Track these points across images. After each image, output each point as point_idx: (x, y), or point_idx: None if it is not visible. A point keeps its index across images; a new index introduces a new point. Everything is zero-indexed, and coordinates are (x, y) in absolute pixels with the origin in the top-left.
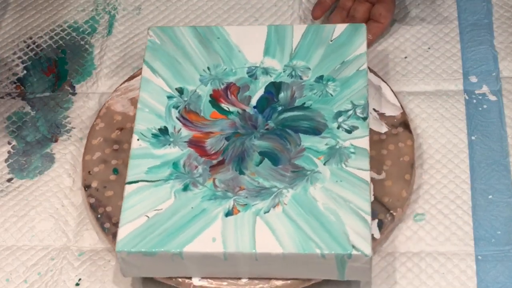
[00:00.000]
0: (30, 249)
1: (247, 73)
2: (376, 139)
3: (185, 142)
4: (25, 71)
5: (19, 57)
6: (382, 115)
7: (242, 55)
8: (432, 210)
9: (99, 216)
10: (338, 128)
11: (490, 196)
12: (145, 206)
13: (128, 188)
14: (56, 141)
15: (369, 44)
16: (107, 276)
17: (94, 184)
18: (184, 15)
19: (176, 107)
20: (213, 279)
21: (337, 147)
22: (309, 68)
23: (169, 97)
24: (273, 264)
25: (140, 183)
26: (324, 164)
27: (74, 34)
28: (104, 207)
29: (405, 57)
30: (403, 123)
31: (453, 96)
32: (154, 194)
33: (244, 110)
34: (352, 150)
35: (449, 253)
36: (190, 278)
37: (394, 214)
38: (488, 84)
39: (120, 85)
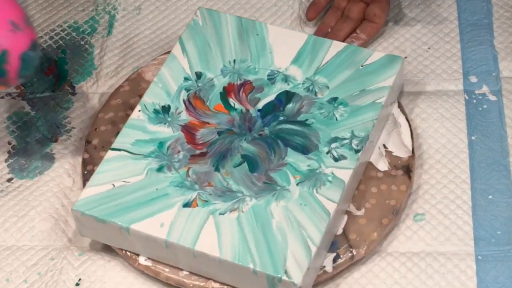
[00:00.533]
0: (30, 249)
1: (268, 75)
2: (372, 175)
3: (180, 125)
4: None
5: None
6: (389, 153)
7: (271, 57)
8: (432, 210)
9: (85, 172)
10: (327, 153)
11: (490, 196)
12: (116, 175)
13: (110, 154)
14: (56, 141)
15: (364, 45)
16: (107, 276)
17: (95, 142)
18: (184, 15)
19: (188, 90)
20: (157, 263)
21: (317, 171)
22: (328, 87)
23: (186, 79)
24: (209, 265)
25: (122, 152)
26: (297, 184)
27: (74, 34)
28: (94, 165)
29: (405, 57)
30: (406, 167)
31: (453, 96)
32: (129, 166)
33: (247, 110)
34: (330, 178)
35: (449, 253)
36: (139, 255)
37: (355, 253)
38: (488, 84)
39: (162, 55)
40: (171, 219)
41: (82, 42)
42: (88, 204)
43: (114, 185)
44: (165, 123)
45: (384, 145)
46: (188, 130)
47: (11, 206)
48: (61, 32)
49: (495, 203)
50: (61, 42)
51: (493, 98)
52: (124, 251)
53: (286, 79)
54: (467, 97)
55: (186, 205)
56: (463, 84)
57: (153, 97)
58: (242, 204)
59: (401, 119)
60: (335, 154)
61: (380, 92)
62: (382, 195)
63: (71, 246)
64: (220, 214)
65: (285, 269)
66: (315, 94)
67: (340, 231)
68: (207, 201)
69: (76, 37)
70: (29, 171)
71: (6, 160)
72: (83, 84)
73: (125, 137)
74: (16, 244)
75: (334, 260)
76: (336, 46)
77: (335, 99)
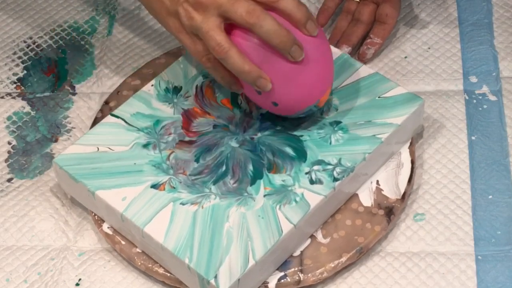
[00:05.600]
0: (30, 249)
1: None
2: (352, 207)
3: (182, 108)
4: (25, 71)
5: (19, 57)
6: (379, 190)
7: None
8: (432, 210)
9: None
10: (306, 173)
11: (490, 196)
12: (105, 140)
13: (108, 118)
14: (56, 141)
15: (380, 48)
16: (107, 276)
17: (112, 104)
18: None
19: (205, 77)
20: (117, 233)
21: (289, 188)
22: (337, 109)
23: None
24: (155, 250)
25: (119, 120)
26: (264, 195)
27: (74, 34)
28: None
29: (405, 57)
30: (389, 209)
31: (453, 96)
32: (120, 135)
33: (250, 112)
34: (298, 198)
35: (449, 253)
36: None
37: (302, 278)
38: (488, 84)
39: None
40: (135, 196)
41: (82, 42)
42: (68, 160)
43: (98, 149)
44: (170, 103)
45: (377, 181)
46: (188, 116)
47: (11, 206)
48: (61, 32)
49: (495, 203)
50: (61, 42)
51: (493, 98)
52: (93, 214)
53: None
54: (467, 97)
55: (154, 186)
56: (463, 84)
57: (170, 76)
58: (205, 200)
59: (406, 161)
60: (313, 176)
61: (385, 127)
62: (353, 230)
63: (71, 246)
64: (181, 204)
65: (216, 273)
66: (322, 113)
67: (297, 253)
68: (174, 187)
69: (76, 37)
70: (29, 171)
71: (6, 160)
72: (83, 84)
73: (128, 107)
74: (16, 244)
75: (280, 279)
76: (364, 71)
77: (338, 122)
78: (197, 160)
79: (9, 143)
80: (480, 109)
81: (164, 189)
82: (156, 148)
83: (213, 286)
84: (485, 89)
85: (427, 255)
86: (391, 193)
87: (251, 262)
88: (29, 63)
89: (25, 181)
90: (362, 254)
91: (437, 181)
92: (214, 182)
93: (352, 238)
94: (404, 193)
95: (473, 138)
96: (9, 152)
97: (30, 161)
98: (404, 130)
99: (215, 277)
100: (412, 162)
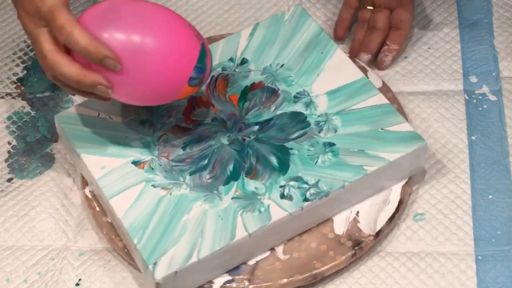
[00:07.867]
0: (30, 249)
1: (297, 93)
2: (323, 232)
3: (192, 96)
4: (25, 71)
5: (19, 57)
6: (355, 221)
7: (314, 78)
8: (432, 210)
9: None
10: (280, 186)
11: (490, 196)
12: (108, 106)
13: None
14: (56, 141)
15: (398, 54)
16: (107, 276)
17: None
18: (184, 15)
19: (224, 70)
20: (96, 200)
21: (259, 197)
22: (336, 131)
23: (230, 59)
24: (117, 223)
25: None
26: (232, 198)
27: None
28: None
29: (405, 57)
30: (358, 243)
31: (453, 96)
32: (123, 105)
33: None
34: (262, 209)
35: (449, 253)
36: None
37: (246, 287)
38: (488, 84)
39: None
40: (113, 167)
41: None
42: (68, 118)
43: (99, 114)
44: None
45: (357, 212)
46: (193, 103)
47: (11, 206)
48: None
49: (495, 203)
50: None
51: (493, 98)
52: (82, 175)
53: (309, 104)
54: (467, 97)
55: (135, 163)
56: (463, 84)
57: None
58: (176, 188)
59: (394, 200)
60: (285, 191)
61: (375, 161)
62: (315, 254)
63: (71, 246)
64: (152, 186)
65: (156, 261)
66: (320, 131)
67: (253, 262)
68: (153, 169)
69: None
70: (29, 171)
71: (6, 160)
72: None
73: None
74: (16, 244)
75: (226, 283)
76: (379, 99)
77: (331, 144)
78: (184, 148)
79: (9, 143)
80: (480, 109)
81: (142, 168)
82: (152, 127)
83: (149, 272)
84: (485, 89)
85: (427, 255)
86: (366, 228)
87: (193, 259)
88: (29, 63)
89: (25, 181)
90: (315, 280)
91: (437, 181)
92: (191, 173)
93: (311, 261)
94: (380, 231)
95: (473, 138)
96: (9, 152)
97: (30, 161)
98: (398, 168)
99: (154, 263)
100: (400, 203)
